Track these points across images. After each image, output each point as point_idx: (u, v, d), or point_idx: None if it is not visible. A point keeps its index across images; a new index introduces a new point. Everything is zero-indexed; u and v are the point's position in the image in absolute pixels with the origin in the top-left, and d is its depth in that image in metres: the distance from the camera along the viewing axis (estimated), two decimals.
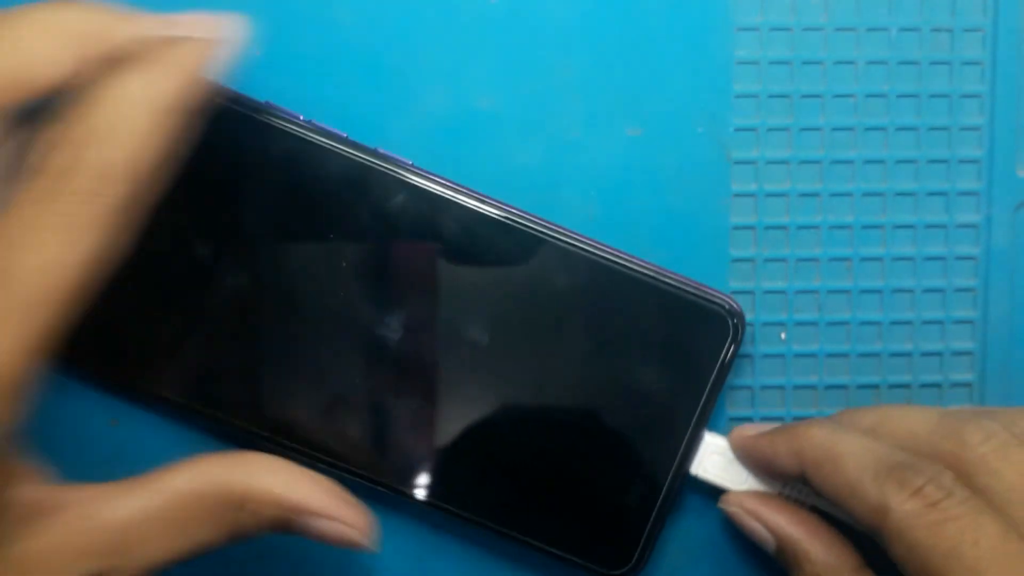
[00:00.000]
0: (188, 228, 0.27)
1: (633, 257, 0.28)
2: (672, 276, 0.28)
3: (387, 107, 0.28)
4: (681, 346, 0.28)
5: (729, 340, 0.28)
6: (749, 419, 0.30)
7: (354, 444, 0.28)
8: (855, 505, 0.24)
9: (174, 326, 0.28)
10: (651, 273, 0.28)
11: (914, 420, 0.25)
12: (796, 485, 0.28)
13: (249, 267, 0.27)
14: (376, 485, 0.28)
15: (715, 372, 0.28)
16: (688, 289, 0.28)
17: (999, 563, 0.21)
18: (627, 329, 0.28)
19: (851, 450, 0.24)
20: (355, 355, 0.28)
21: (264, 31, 0.28)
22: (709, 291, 0.28)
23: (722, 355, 0.28)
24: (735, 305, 0.28)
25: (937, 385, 0.30)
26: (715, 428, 0.29)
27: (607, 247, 0.28)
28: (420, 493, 0.28)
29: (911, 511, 0.22)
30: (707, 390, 0.28)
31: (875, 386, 0.30)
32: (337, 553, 0.29)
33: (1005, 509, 0.22)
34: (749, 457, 0.28)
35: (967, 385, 0.30)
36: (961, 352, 0.30)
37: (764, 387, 0.30)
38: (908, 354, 0.30)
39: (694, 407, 0.28)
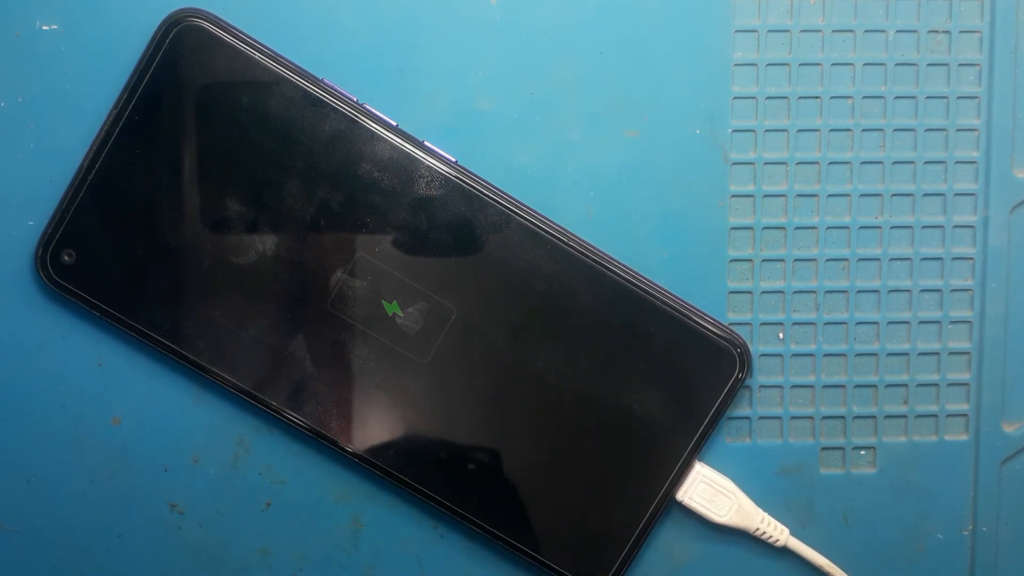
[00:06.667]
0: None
1: (651, 282, 0.28)
2: (686, 306, 0.28)
3: (388, 107, 0.28)
4: (686, 375, 0.28)
5: (733, 376, 0.28)
6: (747, 418, 0.30)
7: (362, 429, 0.28)
8: None
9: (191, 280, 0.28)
10: (665, 300, 0.28)
11: None
12: (772, 523, 0.29)
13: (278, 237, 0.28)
14: (373, 468, 0.28)
15: (715, 406, 0.28)
16: (700, 321, 0.28)
17: None
18: (636, 352, 0.28)
19: None
20: (368, 347, 0.28)
21: (264, 31, 0.28)
22: (721, 324, 0.28)
23: (724, 390, 0.28)
24: (743, 341, 0.28)
25: (934, 384, 0.30)
26: (711, 448, 0.29)
27: (624, 267, 0.28)
28: (422, 486, 0.28)
29: None
30: (706, 421, 0.28)
31: (872, 386, 0.30)
32: (338, 552, 0.29)
33: None
34: None
35: (964, 384, 0.30)
36: (958, 352, 0.30)
37: (763, 386, 0.30)
38: (905, 353, 0.30)
39: (691, 435, 0.28)
